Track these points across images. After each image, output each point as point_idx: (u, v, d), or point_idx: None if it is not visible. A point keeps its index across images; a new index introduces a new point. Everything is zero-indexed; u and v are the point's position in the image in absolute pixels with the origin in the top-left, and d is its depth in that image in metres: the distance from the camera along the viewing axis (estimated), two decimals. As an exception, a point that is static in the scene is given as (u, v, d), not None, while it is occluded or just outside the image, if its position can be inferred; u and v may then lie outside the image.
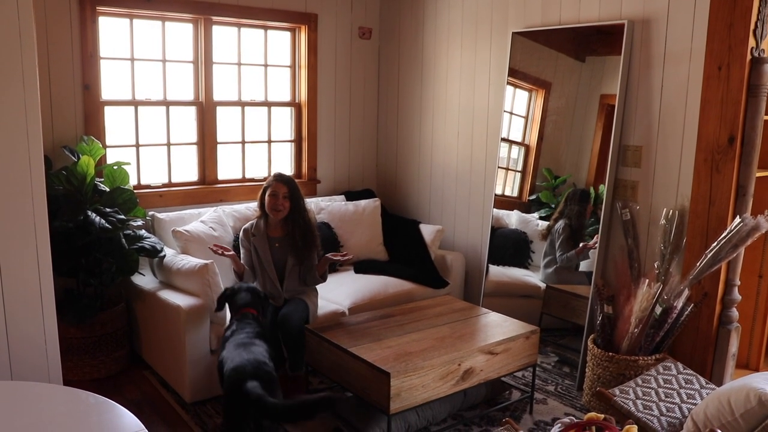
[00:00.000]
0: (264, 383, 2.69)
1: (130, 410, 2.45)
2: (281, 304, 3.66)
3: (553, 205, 4.23)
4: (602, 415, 2.27)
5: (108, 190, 3.87)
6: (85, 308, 3.73)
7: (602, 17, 3.83)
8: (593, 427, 2.23)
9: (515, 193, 4.52)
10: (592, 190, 3.94)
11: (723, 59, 3.24)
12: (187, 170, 4.66)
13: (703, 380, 2.97)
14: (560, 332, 4.29)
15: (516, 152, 4.51)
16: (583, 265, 4.03)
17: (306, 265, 3.72)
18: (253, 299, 3.32)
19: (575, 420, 2.36)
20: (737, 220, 3.15)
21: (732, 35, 3.20)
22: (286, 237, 3.72)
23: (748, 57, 3.19)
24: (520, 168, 4.48)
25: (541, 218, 4.32)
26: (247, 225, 3.81)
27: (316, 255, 3.75)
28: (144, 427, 2.29)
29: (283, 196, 3.68)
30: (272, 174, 3.77)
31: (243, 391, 2.63)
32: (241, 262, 3.73)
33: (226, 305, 3.39)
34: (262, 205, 3.75)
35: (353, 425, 3.19)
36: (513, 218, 4.48)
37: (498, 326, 3.54)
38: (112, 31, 4.22)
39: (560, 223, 4.06)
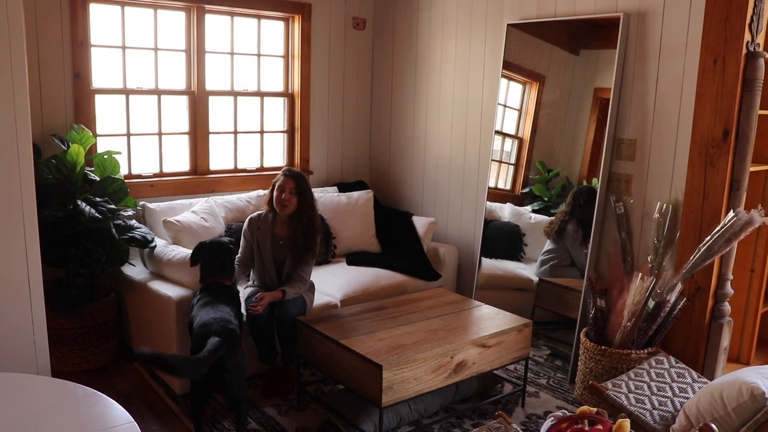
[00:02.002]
0: (226, 340, 2.87)
1: (119, 402, 2.43)
2: None
3: (546, 198, 4.22)
4: (595, 409, 2.27)
5: (98, 179, 3.82)
6: (75, 299, 3.69)
7: (598, 9, 3.81)
8: (585, 421, 2.23)
9: (508, 186, 4.51)
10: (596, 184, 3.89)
11: (718, 53, 3.23)
12: (178, 160, 4.61)
13: (695, 374, 2.97)
14: (552, 325, 4.29)
15: (509, 145, 4.49)
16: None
17: (298, 267, 3.61)
18: (219, 269, 3.39)
19: (568, 413, 2.35)
20: (731, 214, 3.15)
21: (728, 29, 3.19)
22: (291, 237, 3.62)
23: (744, 51, 3.18)
24: (513, 161, 4.47)
25: (534, 211, 4.31)
26: (254, 215, 3.71)
27: (311, 260, 3.64)
28: (132, 420, 2.27)
29: (290, 192, 3.56)
30: (283, 169, 3.68)
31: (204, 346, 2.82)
32: (239, 252, 3.68)
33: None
34: (270, 200, 3.64)
35: (345, 418, 3.18)
36: (506, 211, 4.47)
37: (491, 319, 3.53)
38: (103, 19, 4.16)
39: (572, 226, 4.00)
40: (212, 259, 3.39)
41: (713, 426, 2.02)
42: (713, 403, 2.39)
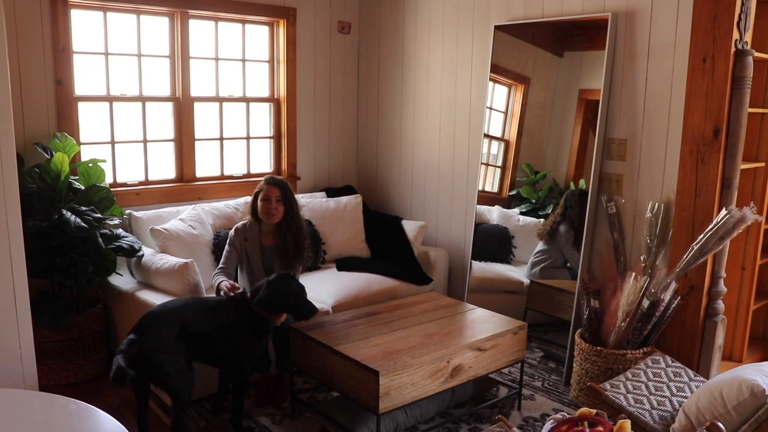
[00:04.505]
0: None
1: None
2: None
3: (533, 200, 4.20)
4: (594, 410, 2.25)
5: (83, 188, 3.75)
6: (61, 310, 3.61)
7: (586, 10, 3.81)
8: (586, 423, 2.21)
9: (495, 189, 4.50)
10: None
11: (707, 51, 3.24)
12: (164, 168, 4.55)
13: (691, 373, 2.97)
14: (544, 327, 4.27)
15: (496, 147, 4.48)
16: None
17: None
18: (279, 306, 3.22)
19: (567, 416, 2.33)
20: (723, 212, 3.15)
21: (716, 27, 3.20)
22: (278, 245, 3.58)
23: (732, 49, 3.19)
24: (500, 163, 4.46)
25: (522, 213, 4.29)
26: (239, 224, 3.65)
27: (299, 266, 3.61)
28: (127, 432, 2.21)
29: (276, 200, 3.53)
30: (264, 177, 3.63)
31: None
32: (222, 261, 3.61)
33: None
34: (254, 211, 3.60)
35: (340, 425, 3.13)
36: (494, 214, 4.46)
37: (485, 322, 3.50)
38: (85, 25, 4.09)
39: (564, 227, 4.00)
40: (280, 297, 3.18)
41: (720, 425, 2.00)
42: (713, 402, 2.38)
